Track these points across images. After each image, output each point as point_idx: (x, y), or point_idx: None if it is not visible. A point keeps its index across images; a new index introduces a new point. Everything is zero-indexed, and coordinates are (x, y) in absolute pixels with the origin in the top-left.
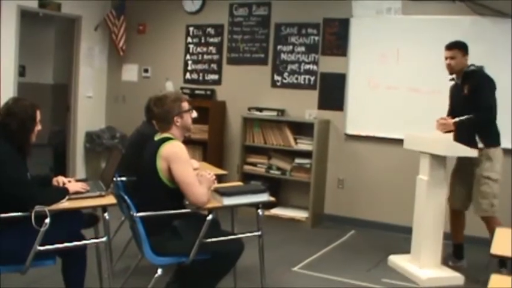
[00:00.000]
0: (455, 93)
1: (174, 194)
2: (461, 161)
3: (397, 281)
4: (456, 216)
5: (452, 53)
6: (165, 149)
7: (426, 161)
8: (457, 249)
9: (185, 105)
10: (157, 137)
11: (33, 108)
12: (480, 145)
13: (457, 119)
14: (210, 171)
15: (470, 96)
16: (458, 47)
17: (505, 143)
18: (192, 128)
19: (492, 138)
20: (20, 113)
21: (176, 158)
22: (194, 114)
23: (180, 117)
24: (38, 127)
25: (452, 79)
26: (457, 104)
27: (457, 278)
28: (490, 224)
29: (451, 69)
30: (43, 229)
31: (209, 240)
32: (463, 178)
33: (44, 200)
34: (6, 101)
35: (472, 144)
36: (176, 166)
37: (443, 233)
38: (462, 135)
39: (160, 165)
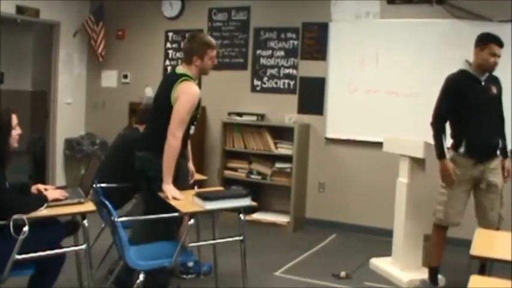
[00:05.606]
0: (474, 90)
1: None
2: (470, 170)
3: (379, 284)
4: (443, 232)
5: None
6: (181, 86)
7: (406, 163)
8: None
9: (212, 52)
10: (178, 71)
11: (8, 113)
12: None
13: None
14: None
15: (498, 99)
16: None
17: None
18: (208, 73)
19: None
20: None
21: (185, 93)
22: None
23: (199, 59)
24: (17, 131)
25: (464, 71)
26: (479, 101)
27: (438, 279)
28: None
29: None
30: (21, 237)
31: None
32: (468, 189)
33: (22, 208)
34: None
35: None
36: (182, 98)
37: (423, 235)
38: None
39: (174, 97)
